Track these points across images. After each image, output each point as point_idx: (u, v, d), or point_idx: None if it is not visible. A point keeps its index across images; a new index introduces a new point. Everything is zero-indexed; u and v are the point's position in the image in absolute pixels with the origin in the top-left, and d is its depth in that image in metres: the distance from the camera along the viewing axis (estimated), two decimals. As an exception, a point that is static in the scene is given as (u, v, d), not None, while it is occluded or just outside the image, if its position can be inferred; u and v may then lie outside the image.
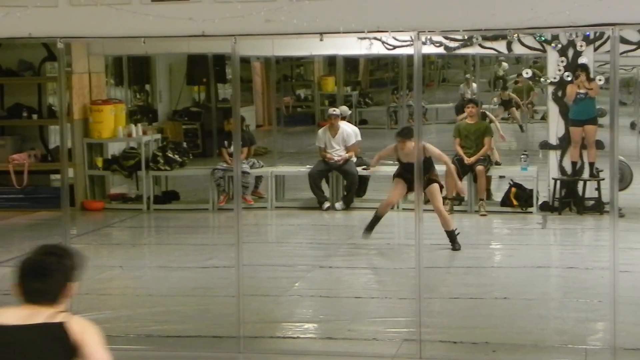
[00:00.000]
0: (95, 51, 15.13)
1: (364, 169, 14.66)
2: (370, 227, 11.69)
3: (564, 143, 13.79)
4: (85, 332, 3.81)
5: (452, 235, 11.47)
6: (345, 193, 14.54)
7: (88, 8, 7.23)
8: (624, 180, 13.82)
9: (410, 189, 11.24)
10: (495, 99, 23.50)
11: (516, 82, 26.70)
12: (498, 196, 14.34)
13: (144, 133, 15.45)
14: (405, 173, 11.35)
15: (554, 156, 13.87)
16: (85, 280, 10.22)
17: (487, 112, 17.12)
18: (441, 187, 11.70)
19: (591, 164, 13.72)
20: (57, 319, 3.78)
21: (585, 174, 13.72)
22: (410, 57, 12.86)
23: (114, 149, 15.49)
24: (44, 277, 3.82)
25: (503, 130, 17.39)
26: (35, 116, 15.14)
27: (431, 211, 13.44)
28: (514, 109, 23.66)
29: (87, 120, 14.93)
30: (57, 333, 3.75)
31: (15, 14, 7.25)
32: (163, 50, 16.74)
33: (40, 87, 15.41)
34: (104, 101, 15.28)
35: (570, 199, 13.69)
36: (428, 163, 11.18)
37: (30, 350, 3.72)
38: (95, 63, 15.39)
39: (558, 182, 13.69)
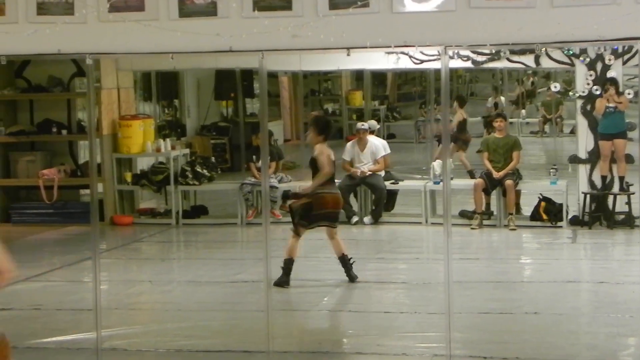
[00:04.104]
0: (123, 67, 15.23)
1: (392, 183, 14.65)
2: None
3: (594, 157, 13.71)
4: None
5: (344, 261, 10.47)
6: (373, 207, 14.52)
7: (116, 24, 7.28)
8: (654, 194, 13.73)
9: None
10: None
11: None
12: (527, 210, 14.27)
13: (173, 148, 15.52)
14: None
15: (583, 170, 13.79)
16: (114, 295, 10.30)
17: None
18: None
19: (621, 178, 13.62)
20: None
21: (615, 188, 13.64)
22: (437, 71, 12.87)
23: (143, 164, 15.57)
24: None
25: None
26: (64, 131, 15.25)
27: (460, 225, 13.44)
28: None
29: (116, 136, 15.02)
30: None
31: (45, 30, 7.31)
32: (191, 66, 16.84)
33: (70, 103, 15.52)
34: (132, 116, 15.37)
35: (600, 213, 13.61)
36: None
37: None
38: (124, 78, 15.49)
39: (588, 196, 13.61)
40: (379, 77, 28.30)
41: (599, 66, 13.65)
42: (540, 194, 14.08)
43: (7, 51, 7.52)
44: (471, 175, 16.61)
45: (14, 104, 15.48)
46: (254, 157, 14.91)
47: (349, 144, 14.99)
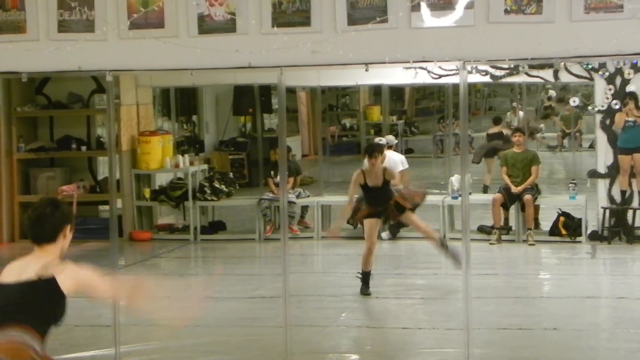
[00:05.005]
0: (143, 83, 15.30)
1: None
2: (366, 286, 10.70)
3: (613, 171, 13.65)
4: (73, 275, 4.56)
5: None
6: (391, 223, 14.48)
7: (136, 41, 7.33)
8: (674, 208, 13.65)
9: (379, 216, 10.92)
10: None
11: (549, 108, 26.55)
12: (546, 225, 14.21)
13: (191, 164, 15.56)
14: (374, 204, 10.81)
15: (602, 185, 13.73)
16: (132, 311, 10.23)
17: None
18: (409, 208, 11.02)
19: (641, 193, 13.57)
20: (47, 275, 4.48)
21: (635, 202, 13.57)
22: (456, 86, 12.86)
23: (162, 179, 15.61)
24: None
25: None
26: (84, 148, 15.32)
27: (479, 240, 13.40)
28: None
29: (135, 152, 15.08)
30: (47, 287, 4.49)
31: (66, 47, 7.37)
32: (210, 82, 16.88)
33: (89, 119, 15.60)
34: (151, 132, 15.42)
35: (619, 228, 13.54)
36: (388, 187, 10.89)
37: (26, 304, 4.45)
38: (143, 95, 15.56)
39: (607, 211, 13.55)
40: (397, 92, 28.28)
41: (618, 80, 13.61)
42: (559, 208, 14.03)
43: (29, 68, 7.59)
44: (484, 190, 16.65)
45: (34, 120, 15.57)
46: (272, 172, 14.94)
47: (367, 159, 14.96)
